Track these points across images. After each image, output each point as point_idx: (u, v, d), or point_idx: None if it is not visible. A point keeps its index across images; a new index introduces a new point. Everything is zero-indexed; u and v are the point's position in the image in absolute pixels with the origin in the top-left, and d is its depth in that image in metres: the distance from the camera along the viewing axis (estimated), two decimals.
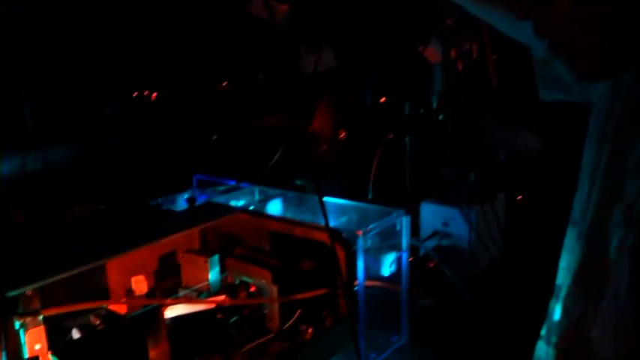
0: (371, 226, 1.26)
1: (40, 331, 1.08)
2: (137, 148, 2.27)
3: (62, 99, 2.16)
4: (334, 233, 1.20)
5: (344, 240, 1.22)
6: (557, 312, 0.93)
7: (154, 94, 2.47)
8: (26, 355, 1.01)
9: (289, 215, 1.48)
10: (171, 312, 1.18)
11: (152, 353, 1.16)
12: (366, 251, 1.24)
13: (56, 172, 2.10)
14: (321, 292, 1.21)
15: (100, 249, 1.18)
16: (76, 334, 1.01)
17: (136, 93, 2.48)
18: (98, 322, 1.00)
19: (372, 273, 1.29)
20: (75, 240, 1.27)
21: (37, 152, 2.04)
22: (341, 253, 1.21)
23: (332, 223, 1.29)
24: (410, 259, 1.40)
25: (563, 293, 0.92)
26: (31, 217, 1.68)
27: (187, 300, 1.22)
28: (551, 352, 0.93)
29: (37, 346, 1.09)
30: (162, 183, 1.81)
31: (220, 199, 1.57)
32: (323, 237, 1.22)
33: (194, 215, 1.39)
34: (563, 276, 0.93)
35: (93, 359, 0.90)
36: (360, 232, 1.23)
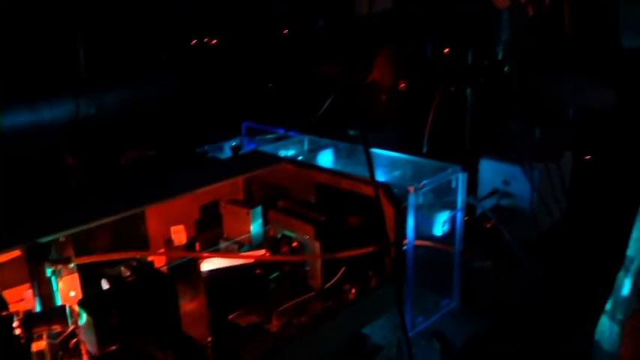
0: (424, 182, 1.17)
1: (74, 279, 1.05)
2: (190, 93, 2.23)
3: (118, 43, 2.12)
4: (384, 188, 1.12)
5: (394, 195, 1.13)
6: (625, 286, 0.83)
7: (214, 41, 2.41)
8: (59, 302, 0.98)
9: (339, 167, 1.39)
10: (210, 265, 1.13)
11: (188, 306, 1.11)
12: (418, 208, 1.16)
13: (110, 117, 2.08)
14: (367, 250, 1.13)
15: (140, 196, 1.13)
16: (104, 284, 0.97)
17: (195, 41, 2.42)
18: (128, 274, 0.96)
19: (422, 232, 1.21)
20: (119, 186, 1.23)
21: (91, 97, 2.01)
22: (390, 210, 1.12)
23: (383, 178, 1.22)
24: (465, 219, 1.31)
25: (634, 267, 0.82)
26: (85, 163, 1.66)
27: (226, 254, 1.17)
28: (615, 329, 0.84)
29: (72, 294, 1.06)
30: (212, 130, 1.76)
31: (268, 147, 1.51)
32: (371, 191, 1.14)
33: (238, 164, 1.32)
34: (635, 248, 0.83)
35: (118, 312, 0.85)
36: (411, 188, 1.14)
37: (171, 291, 0.92)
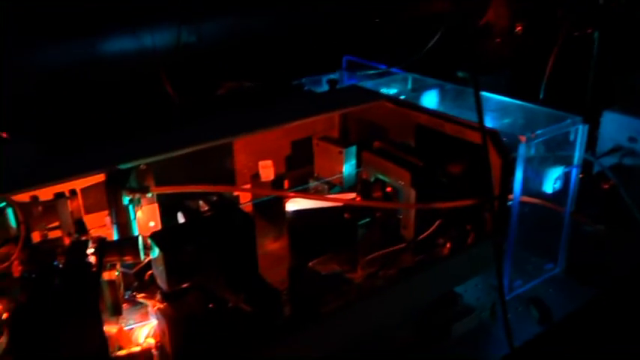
0: (538, 132, 1.05)
1: (153, 210, 1.02)
2: (291, 25, 2.14)
3: None
4: (492, 135, 1.00)
5: (503, 144, 1.01)
6: None
7: None
8: (136, 231, 0.95)
9: (444, 110, 1.28)
10: (296, 205, 1.07)
11: (268, 248, 1.06)
12: (528, 161, 1.04)
13: (209, 46, 2.03)
14: (467, 203, 1.02)
15: (229, 127, 1.07)
16: (180, 218, 0.92)
17: None
18: (207, 208, 0.90)
19: (531, 188, 1.09)
20: (211, 116, 1.17)
21: (193, 25, 1.97)
22: (497, 160, 1.00)
23: (492, 124, 1.10)
24: (580, 177, 1.17)
25: None
26: (182, 91, 1.63)
27: (313, 195, 1.09)
28: None
29: (151, 224, 1.02)
30: (312, 63, 1.68)
31: (369, 84, 1.41)
32: (478, 138, 1.03)
33: (335, 99, 1.23)
34: None
35: (191, 248, 0.80)
36: (523, 138, 1.02)
37: (249, 230, 0.86)
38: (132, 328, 0.91)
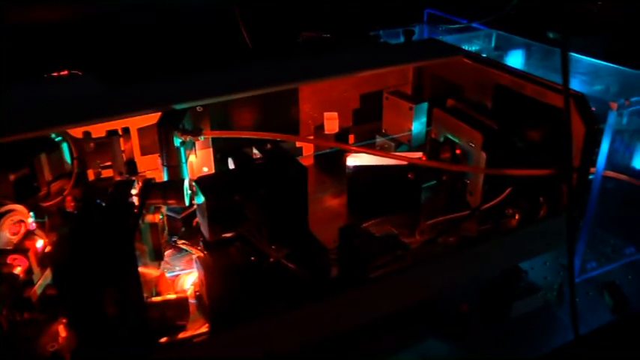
0: (633, 99, 0.93)
1: (207, 155, 0.98)
2: None
3: None
4: (578, 99, 0.90)
5: (590, 110, 0.90)
6: None
7: None
8: (187, 177, 0.91)
9: (528, 71, 1.17)
10: (358, 160, 1.00)
11: (322, 203, 1.01)
12: (618, 131, 0.93)
13: None
14: (543, 172, 0.93)
15: (296, 73, 1.01)
16: (230, 164, 0.88)
17: None
18: (258, 157, 0.85)
19: (618, 161, 0.98)
20: (281, 62, 1.11)
21: None
22: (581, 128, 0.90)
23: (581, 88, 0.99)
24: None
25: None
26: (260, 40, 1.58)
27: (376, 151, 1.03)
28: None
29: (205, 169, 0.99)
30: (394, 16, 1.59)
31: (449, 39, 1.31)
32: (559, 101, 0.93)
33: (410, 51, 1.15)
34: None
35: (237, 196, 0.75)
36: (614, 105, 0.91)
37: (302, 182, 0.81)
38: (177, 275, 0.89)
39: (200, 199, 0.77)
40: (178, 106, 0.87)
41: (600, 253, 1.07)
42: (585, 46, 1.28)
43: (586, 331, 0.93)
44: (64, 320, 0.74)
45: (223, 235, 0.78)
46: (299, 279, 0.76)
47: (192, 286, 0.84)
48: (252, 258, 0.77)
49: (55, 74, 1.25)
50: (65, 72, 1.29)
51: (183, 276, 0.89)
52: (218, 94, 0.91)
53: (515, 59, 1.28)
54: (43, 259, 0.79)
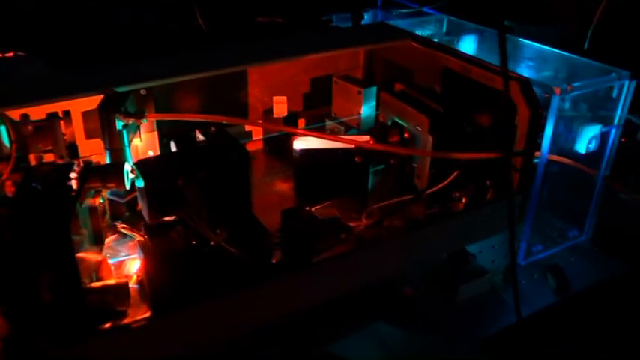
0: (576, 84, 0.95)
1: (152, 138, 0.96)
2: None
3: None
4: (522, 83, 0.91)
5: (534, 95, 0.91)
6: None
7: None
8: (130, 161, 0.89)
9: (479, 56, 1.18)
10: (305, 143, 1.00)
11: (275, 186, 1.00)
12: (561, 116, 0.94)
13: None
14: (489, 155, 0.93)
15: (244, 55, 1.00)
16: (173, 147, 0.86)
17: None
18: (201, 140, 0.84)
19: (561, 145, 0.99)
20: (231, 45, 1.10)
21: None
22: (525, 112, 0.91)
23: (528, 73, 1.00)
24: (622, 140, 1.07)
25: None
26: (214, 23, 1.56)
27: (323, 135, 1.02)
28: None
29: (150, 153, 0.97)
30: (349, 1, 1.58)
31: (401, 23, 1.31)
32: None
33: (359, 34, 1.14)
34: None
35: (177, 180, 0.74)
36: (557, 89, 0.93)
37: (245, 165, 0.80)
38: (122, 261, 0.87)
39: (140, 182, 0.76)
40: (120, 89, 0.85)
41: (546, 236, 1.08)
42: (539, 34, 1.29)
43: (529, 312, 0.95)
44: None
45: (164, 219, 0.77)
46: (240, 263, 0.75)
47: (136, 274, 0.82)
48: (193, 242, 0.76)
49: None
50: (11, 53, 1.26)
51: (129, 261, 0.87)
52: (162, 76, 0.90)
53: (467, 45, 1.28)
54: None
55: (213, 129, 0.87)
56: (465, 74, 1.01)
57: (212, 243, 0.75)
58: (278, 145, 1.12)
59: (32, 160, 0.91)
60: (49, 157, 0.92)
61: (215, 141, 0.84)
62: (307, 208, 0.85)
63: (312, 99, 1.19)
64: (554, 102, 0.93)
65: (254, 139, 1.16)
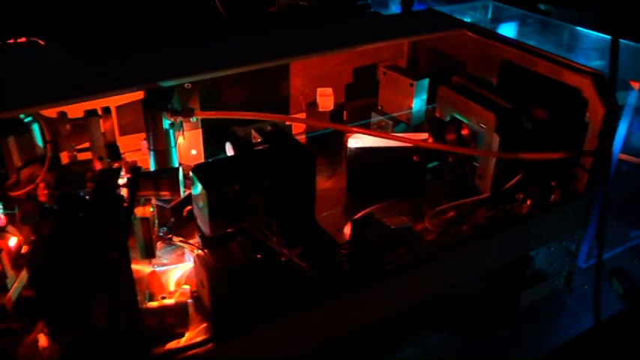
0: None
1: (196, 136, 0.89)
2: None
3: None
4: (595, 77, 0.84)
5: (607, 90, 0.85)
6: None
7: None
8: (176, 162, 0.82)
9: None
10: (360, 141, 0.93)
11: (326, 185, 0.94)
12: (638, 112, 0.88)
13: None
14: (557, 155, 0.87)
15: (285, 48, 0.92)
16: (229, 149, 0.79)
17: None
18: (259, 140, 0.77)
19: (634, 145, 0.93)
20: (266, 34, 1.02)
21: None
22: (599, 109, 0.85)
23: (594, 64, 0.93)
24: None
25: None
26: (234, 9, 1.47)
27: (382, 133, 0.95)
28: None
29: (193, 152, 0.90)
30: None
31: (442, 9, 1.24)
32: (574, 80, 0.87)
33: (408, 23, 1.07)
34: None
35: (239, 186, 0.67)
36: (635, 84, 0.86)
37: (310, 168, 0.73)
38: (164, 270, 0.81)
39: (198, 189, 0.69)
40: (166, 84, 0.78)
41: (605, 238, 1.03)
42: (580, 18, 1.22)
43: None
44: (45, 330, 0.65)
45: (225, 230, 0.70)
46: (311, 279, 0.69)
47: (189, 286, 0.75)
48: (259, 256, 0.69)
49: (10, 41, 1.13)
50: (23, 39, 1.17)
51: (172, 271, 0.81)
52: (209, 69, 0.82)
53: (511, 31, 1.22)
54: (17, 260, 0.70)
55: (269, 127, 0.79)
56: (527, 66, 0.94)
57: (282, 259, 0.68)
58: (322, 141, 1.05)
59: (64, 158, 0.84)
60: (82, 156, 0.85)
61: (274, 142, 0.77)
62: (377, 217, 0.79)
63: (355, 90, 1.12)
64: (632, 97, 0.86)
65: (295, 133, 1.09)
